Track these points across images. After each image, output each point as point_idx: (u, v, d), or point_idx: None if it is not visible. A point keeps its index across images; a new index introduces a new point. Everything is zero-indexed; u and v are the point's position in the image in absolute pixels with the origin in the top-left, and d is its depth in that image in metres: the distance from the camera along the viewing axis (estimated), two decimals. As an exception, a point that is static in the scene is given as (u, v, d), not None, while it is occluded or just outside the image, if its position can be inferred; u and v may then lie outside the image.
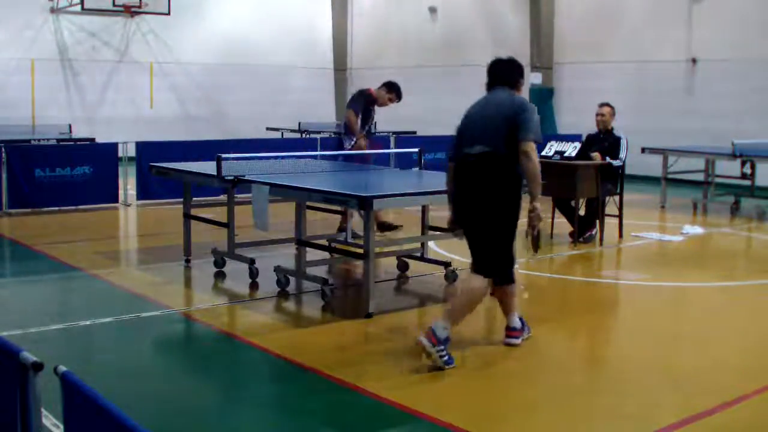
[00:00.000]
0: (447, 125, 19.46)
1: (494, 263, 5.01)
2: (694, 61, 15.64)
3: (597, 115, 9.26)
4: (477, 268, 5.03)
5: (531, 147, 4.89)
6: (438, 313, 6.23)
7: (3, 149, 10.81)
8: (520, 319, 5.36)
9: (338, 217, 8.57)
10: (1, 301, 6.56)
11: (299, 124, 18.35)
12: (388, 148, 14.12)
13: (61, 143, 13.13)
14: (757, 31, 14.64)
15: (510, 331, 5.30)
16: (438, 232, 7.47)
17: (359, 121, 8.88)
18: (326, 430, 4.11)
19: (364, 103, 9.00)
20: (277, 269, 6.77)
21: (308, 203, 6.90)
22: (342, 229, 8.46)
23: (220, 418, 4.15)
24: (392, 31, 21.63)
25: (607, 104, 9.30)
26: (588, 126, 9.79)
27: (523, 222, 5.04)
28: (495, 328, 5.94)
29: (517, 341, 5.27)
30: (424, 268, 7.38)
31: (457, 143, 5.12)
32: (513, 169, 4.93)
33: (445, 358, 4.76)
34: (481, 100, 5.28)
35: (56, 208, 11.05)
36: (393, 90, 9.03)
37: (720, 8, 15.21)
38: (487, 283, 5.01)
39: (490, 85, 5.38)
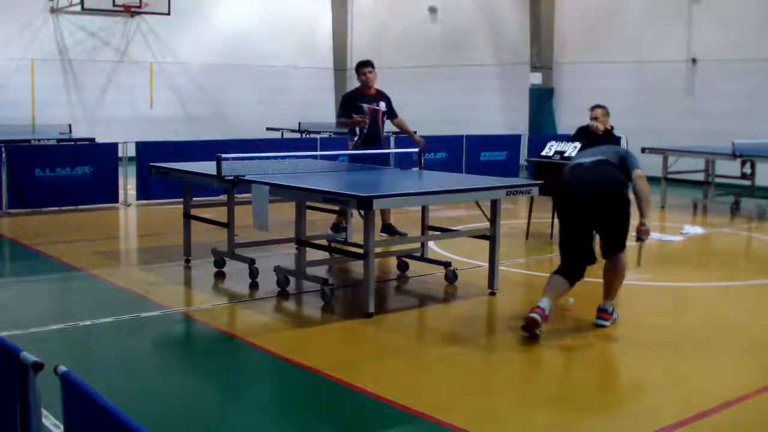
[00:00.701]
0: (447, 125, 19.54)
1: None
2: (694, 61, 15.65)
3: (591, 118, 9.12)
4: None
5: None
6: (438, 313, 6.23)
7: (3, 149, 10.81)
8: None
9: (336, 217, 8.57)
10: (1, 301, 6.56)
11: (299, 124, 18.36)
12: (388, 148, 14.14)
13: (61, 143, 13.12)
14: (757, 31, 14.65)
15: (601, 312, 5.78)
16: (438, 232, 7.47)
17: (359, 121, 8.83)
18: (326, 430, 4.11)
19: (348, 102, 8.92)
20: (277, 269, 6.77)
21: (308, 203, 6.90)
22: (337, 226, 8.46)
23: (220, 418, 4.15)
24: (392, 31, 21.63)
25: (599, 105, 9.13)
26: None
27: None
28: (495, 328, 5.94)
29: (607, 323, 5.75)
30: (424, 268, 7.37)
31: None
32: None
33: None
34: None
35: (56, 208, 11.05)
36: (357, 68, 8.98)
37: (720, 8, 15.22)
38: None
39: None
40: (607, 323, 5.72)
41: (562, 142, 9.24)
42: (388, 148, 13.95)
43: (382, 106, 8.90)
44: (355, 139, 8.88)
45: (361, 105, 8.82)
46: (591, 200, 5.64)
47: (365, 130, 8.85)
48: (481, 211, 6.91)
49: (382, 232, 8.79)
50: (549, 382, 4.74)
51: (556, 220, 9.22)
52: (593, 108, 9.23)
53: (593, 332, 5.98)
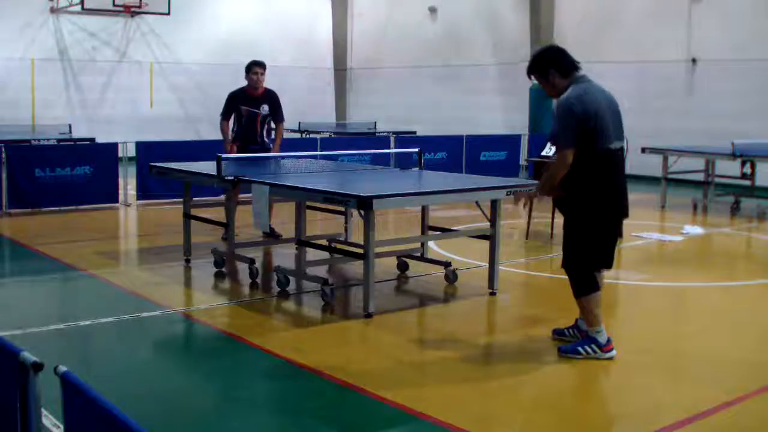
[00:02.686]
0: (447, 125, 19.56)
1: None
2: (694, 61, 15.65)
3: None
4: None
5: None
6: (438, 313, 6.22)
7: (3, 149, 10.81)
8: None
9: (337, 217, 8.57)
10: (1, 301, 6.56)
11: (299, 124, 18.36)
12: (388, 148, 14.14)
13: (61, 143, 13.12)
14: (757, 31, 14.65)
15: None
16: (438, 232, 7.47)
17: (237, 124, 8.80)
18: (326, 430, 4.10)
19: (229, 103, 8.83)
20: (277, 269, 6.77)
21: (308, 203, 6.90)
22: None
23: (220, 418, 4.15)
24: (392, 31, 21.63)
25: None
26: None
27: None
28: (494, 328, 5.94)
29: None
30: (424, 268, 7.37)
31: (602, 135, 4.81)
32: None
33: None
34: (594, 89, 4.91)
35: (56, 208, 11.05)
36: (249, 66, 8.85)
37: (720, 8, 15.22)
38: None
39: (576, 69, 4.99)
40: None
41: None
42: (388, 147, 13.97)
43: (264, 109, 8.81)
44: (230, 139, 8.85)
45: (240, 107, 8.78)
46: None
47: (241, 129, 8.81)
48: (481, 211, 6.91)
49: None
50: (548, 382, 4.74)
51: (557, 220, 9.26)
52: None
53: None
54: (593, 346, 4.97)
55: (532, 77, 5.13)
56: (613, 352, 4.99)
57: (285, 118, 9.12)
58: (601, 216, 4.92)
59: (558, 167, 4.89)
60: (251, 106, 8.80)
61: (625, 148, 5.14)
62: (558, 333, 5.38)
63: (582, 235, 4.94)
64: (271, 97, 8.93)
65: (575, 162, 4.80)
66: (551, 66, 4.97)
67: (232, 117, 8.93)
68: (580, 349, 4.99)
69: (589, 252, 4.95)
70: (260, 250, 8.15)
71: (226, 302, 6.50)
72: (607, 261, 5.08)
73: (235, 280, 7.18)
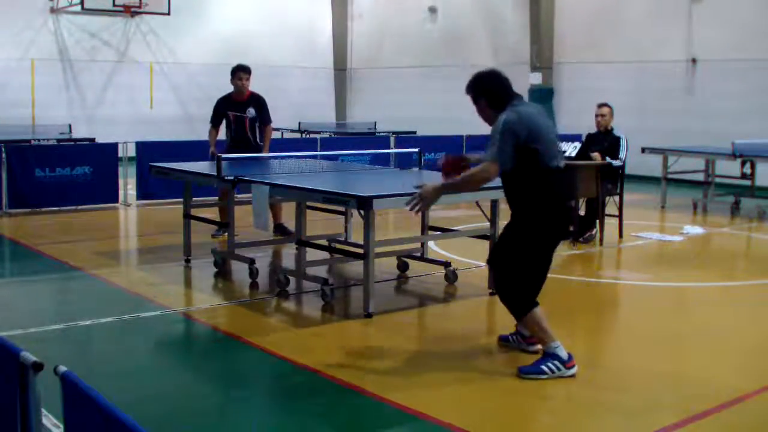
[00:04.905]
0: (447, 125, 19.54)
1: None
2: (694, 61, 15.65)
3: (597, 115, 9.27)
4: None
5: None
6: (438, 313, 6.22)
7: (3, 149, 10.81)
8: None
9: (337, 217, 8.57)
10: (1, 301, 6.56)
11: (299, 124, 18.36)
12: (388, 148, 14.13)
13: (61, 143, 13.12)
14: (757, 31, 14.64)
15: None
16: (438, 232, 7.47)
17: (228, 130, 8.90)
18: (326, 430, 4.11)
19: (217, 109, 8.97)
20: (277, 269, 6.77)
21: (308, 203, 6.90)
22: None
23: (220, 418, 4.15)
24: (392, 31, 21.63)
25: (606, 104, 9.30)
26: (588, 126, 9.79)
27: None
28: (495, 328, 5.94)
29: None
30: (424, 268, 7.37)
31: (546, 153, 4.77)
32: None
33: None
34: (531, 110, 4.87)
35: (56, 208, 11.05)
36: (234, 71, 8.87)
37: (720, 8, 15.22)
38: None
39: (515, 94, 4.95)
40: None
41: (562, 142, 9.22)
42: (388, 148, 13.97)
43: (250, 112, 8.85)
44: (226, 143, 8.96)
45: (227, 113, 8.87)
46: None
47: (233, 134, 8.91)
48: (481, 211, 6.91)
49: (274, 231, 8.88)
50: (548, 382, 4.74)
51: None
52: (600, 105, 9.30)
53: (591, 333, 5.99)
54: (556, 362, 4.72)
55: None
56: (575, 369, 4.74)
57: (272, 120, 9.18)
58: (542, 235, 4.80)
59: (472, 180, 4.77)
60: (238, 110, 8.88)
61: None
62: (503, 339, 5.22)
63: (523, 254, 4.80)
64: (257, 100, 8.97)
65: (521, 182, 4.77)
66: (483, 95, 4.91)
67: (223, 124, 9.01)
68: (543, 367, 4.71)
69: (527, 274, 4.83)
70: (260, 250, 8.14)
71: (226, 302, 6.50)
72: (542, 282, 4.99)
73: (235, 280, 7.17)
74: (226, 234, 8.03)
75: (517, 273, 4.81)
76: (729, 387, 4.58)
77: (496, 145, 4.63)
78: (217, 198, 8.77)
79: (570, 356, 4.76)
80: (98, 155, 11.62)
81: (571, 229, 9.02)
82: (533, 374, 4.70)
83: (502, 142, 4.63)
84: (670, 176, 12.17)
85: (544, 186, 4.77)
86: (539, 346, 5.05)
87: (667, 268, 8.05)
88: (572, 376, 4.72)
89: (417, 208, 4.89)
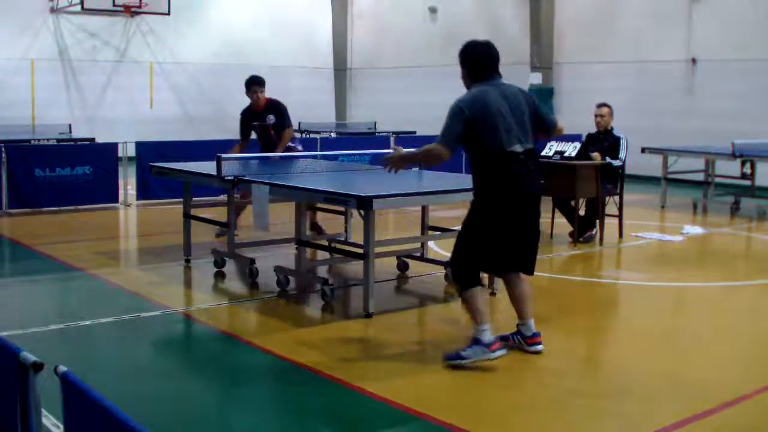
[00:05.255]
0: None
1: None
2: (694, 61, 15.65)
3: (596, 115, 9.27)
4: (531, 267, 5.07)
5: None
6: (438, 313, 6.22)
7: (3, 149, 10.81)
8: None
9: (338, 217, 8.57)
10: (1, 301, 6.56)
11: (299, 124, 18.35)
12: (388, 148, 14.12)
13: (61, 143, 13.12)
14: (757, 31, 14.64)
15: (536, 337, 5.12)
16: (438, 232, 7.47)
17: (257, 140, 9.12)
18: (326, 430, 4.11)
19: (243, 122, 9.21)
20: (277, 269, 6.77)
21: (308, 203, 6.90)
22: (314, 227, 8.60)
23: (220, 418, 4.15)
24: (392, 31, 21.63)
25: (606, 104, 9.30)
26: (588, 126, 9.79)
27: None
28: (496, 327, 5.93)
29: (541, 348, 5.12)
30: (424, 268, 7.37)
31: (493, 138, 4.75)
32: None
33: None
34: (492, 90, 4.86)
35: (56, 208, 11.05)
36: (249, 84, 9.14)
37: (720, 8, 15.22)
38: None
39: (490, 74, 4.95)
40: (541, 348, 5.08)
41: (562, 142, 9.24)
42: (388, 148, 13.95)
43: (270, 119, 9.00)
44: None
45: (253, 124, 9.10)
46: (537, 198, 4.99)
47: (261, 143, 9.14)
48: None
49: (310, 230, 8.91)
50: (549, 382, 4.74)
51: (557, 220, 9.26)
52: (600, 106, 9.31)
53: (591, 333, 5.99)
54: (478, 347, 4.77)
55: None
56: (500, 352, 4.76)
57: (291, 123, 9.25)
58: (491, 218, 4.83)
59: (427, 155, 4.94)
60: (259, 120, 9.06)
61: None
62: (503, 339, 5.14)
63: (471, 232, 4.89)
64: (275, 107, 9.13)
65: (476, 164, 4.86)
66: (464, 64, 5.02)
67: (251, 135, 9.24)
68: (463, 353, 4.78)
69: (473, 251, 4.88)
70: (260, 250, 8.14)
71: (226, 302, 6.51)
72: (492, 266, 5.03)
73: (235, 280, 7.17)
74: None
75: (464, 248, 4.90)
76: (729, 387, 4.58)
77: (445, 125, 4.77)
78: (236, 196, 8.79)
79: (495, 339, 4.80)
80: (98, 155, 11.62)
81: (572, 230, 9.06)
82: (454, 360, 4.80)
83: (448, 123, 4.77)
84: (670, 176, 12.17)
85: (493, 170, 4.80)
86: (540, 347, 5.06)
87: (667, 268, 8.05)
88: (498, 357, 4.77)
89: (387, 168, 5.18)
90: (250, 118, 9.11)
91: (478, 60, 4.98)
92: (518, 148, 4.80)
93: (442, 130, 4.78)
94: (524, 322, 5.11)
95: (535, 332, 5.10)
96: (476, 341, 4.81)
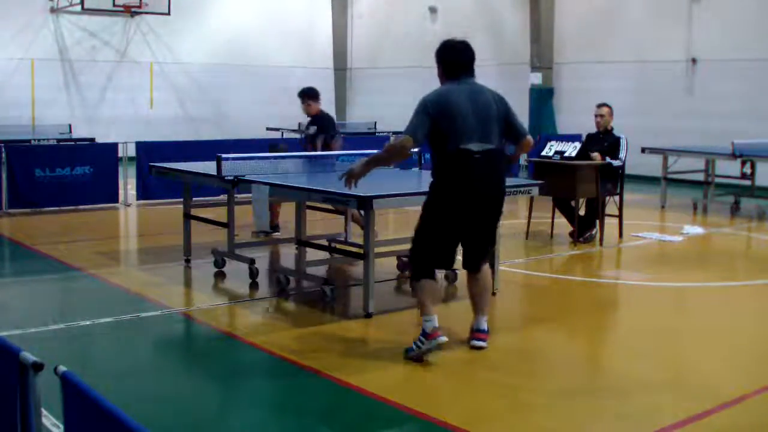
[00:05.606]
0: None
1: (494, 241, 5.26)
2: (694, 61, 15.64)
3: (596, 115, 9.27)
4: (483, 258, 5.19)
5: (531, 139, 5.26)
6: (438, 312, 6.21)
7: (3, 149, 10.81)
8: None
9: (338, 217, 8.57)
10: (1, 301, 6.56)
11: (299, 124, 18.33)
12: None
13: (61, 143, 13.12)
14: (757, 31, 14.64)
15: (479, 332, 5.21)
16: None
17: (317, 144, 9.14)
18: (326, 430, 4.11)
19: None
20: (277, 269, 6.77)
21: (308, 203, 6.90)
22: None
23: (220, 418, 4.15)
24: (392, 31, 21.62)
25: (606, 104, 9.31)
26: (588, 126, 9.79)
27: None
28: (495, 328, 5.93)
29: (485, 344, 5.18)
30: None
31: (454, 135, 4.85)
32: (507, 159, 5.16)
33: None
34: (459, 90, 4.95)
35: (56, 208, 11.05)
36: (303, 96, 9.22)
37: (720, 8, 15.21)
38: None
39: (461, 74, 5.04)
40: (485, 343, 5.17)
41: (562, 142, 9.25)
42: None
43: (312, 129, 9.11)
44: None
45: (305, 132, 9.30)
46: (491, 198, 5.03)
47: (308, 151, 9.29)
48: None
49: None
50: (549, 382, 4.74)
51: (557, 220, 9.26)
52: (600, 106, 9.31)
53: (591, 333, 5.99)
54: (421, 338, 4.89)
55: None
56: (440, 339, 4.84)
57: (336, 135, 9.36)
58: (440, 215, 4.95)
59: (391, 151, 5.08)
60: (307, 130, 9.26)
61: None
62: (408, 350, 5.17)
63: (422, 225, 5.05)
64: (320, 119, 9.25)
65: (434, 160, 4.98)
66: (438, 62, 5.12)
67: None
68: (412, 347, 4.92)
69: (423, 243, 5.02)
70: (260, 250, 8.14)
71: (226, 302, 6.51)
72: (442, 262, 5.12)
73: (235, 280, 7.17)
74: (272, 233, 8.40)
75: (417, 240, 5.05)
76: (729, 387, 4.58)
77: (412, 120, 4.89)
78: (214, 198, 8.81)
79: (436, 328, 4.87)
80: (98, 155, 11.62)
81: (572, 230, 9.06)
82: (407, 353, 4.92)
83: (416, 117, 4.88)
84: (670, 176, 12.17)
85: (446, 166, 4.92)
86: (480, 343, 5.15)
87: (667, 268, 8.05)
88: (438, 346, 4.85)
89: (346, 183, 5.16)
90: (305, 126, 9.37)
91: (451, 59, 5.09)
92: (474, 147, 4.87)
93: (408, 124, 4.90)
94: (474, 317, 5.25)
95: (482, 329, 5.20)
96: (422, 332, 4.92)
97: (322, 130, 9.10)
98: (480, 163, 4.87)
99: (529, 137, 5.27)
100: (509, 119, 5.09)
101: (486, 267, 5.27)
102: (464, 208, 4.92)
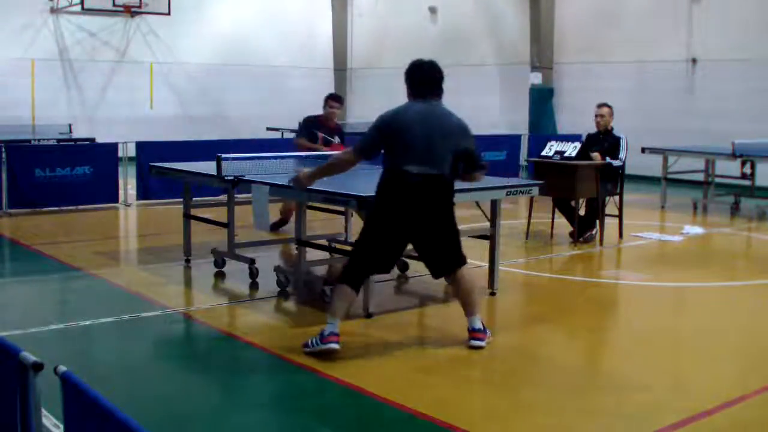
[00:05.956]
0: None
1: (459, 252, 5.25)
2: (694, 61, 15.65)
3: (596, 115, 9.27)
4: (452, 264, 5.24)
5: (481, 175, 5.27)
6: (438, 313, 6.21)
7: (3, 149, 10.81)
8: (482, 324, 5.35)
9: (338, 216, 8.57)
10: (1, 301, 6.56)
11: (299, 124, 18.32)
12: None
13: (61, 143, 13.12)
14: (757, 31, 14.64)
15: (475, 332, 5.22)
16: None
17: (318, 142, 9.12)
18: (326, 430, 4.11)
19: (307, 126, 9.25)
20: (277, 269, 6.77)
21: (308, 203, 6.90)
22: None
23: (220, 418, 4.15)
24: (392, 31, 21.62)
25: (606, 104, 9.31)
26: (588, 126, 9.80)
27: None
28: (495, 328, 5.93)
29: (483, 342, 5.20)
30: (424, 268, 7.34)
31: (397, 154, 4.97)
32: (452, 186, 5.17)
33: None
34: (416, 111, 5.02)
35: (56, 208, 11.05)
36: (328, 98, 9.23)
37: (720, 8, 15.22)
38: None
39: (426, 94, 5.12)
40: (483, 342, 5.19)
41: (562, 142, 9.25)
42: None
43: (336, 140, 9.14)
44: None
45: (316, 132, 9.10)
46: (424, 219, 5.09)
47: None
48: (481, 211, 6.91)
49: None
50: (549, 382, 4.74)
51: (557, 220, 9.26)
52: (600, 106, 9.31)
53: (591, 333, 5.99)
54: (316, 338, 4.96)
55: None
56: (332, 345, 4.88)
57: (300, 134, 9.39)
58: (377, 226, 5.07)
59: (334, 166, 5.26)
60: (326, 134, 9.17)
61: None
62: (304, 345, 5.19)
63: (364, 234, 5.15)
64: (341, 133, 9.40)
65: (382, 174, 5.10)
66: (406, 80, 5.25)
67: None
68: (308, 342, 5.01)
69: (362, 252, 5.12)
70: (260, 250, 8.14)
71: (226, 302, 6.51)
72: (380, 268, 5.26)
73: (235, 280, 7.17)
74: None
75: (357, 246, 5.18)
76: (729, 387, 4.59)
77: (366, 135, 5.08)
78: (214, 198, 8.81)
79: (332, 333, 4.92)
80: (98, 155, 11.62)
81: (572, 230, 9.06)
82: (305, 348, 5.00)
83: (369, 133, 5.07)
84: (670, 176, 12.17)
85: (385, 183, 5.04)
86: (479, 342, 5.17)
87: (667, 268, 8.05)
88: (329, 350, 4.88)
89: (296, 187, 5.46)
90: (317, 126, 9.18)
91: (416, 79, 5.20)
92: (414, 169, 4.92)
93: (361, 138, 5.12)
94: (467, 318, 5.30)
95: (476, 327, 5.23)
96: (321, 332, 4.98)
97: (342, 141, 9.20)
98: (417, 186, 4.95)
99: (480, 175, 5.25)
100: (468, 151, 5.08)
101: (462, 271, 5.26)
102: (399, 225, 5.04)
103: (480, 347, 5.16)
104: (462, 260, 5.27)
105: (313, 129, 9.13)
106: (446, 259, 5.25)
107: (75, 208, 11.12)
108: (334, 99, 9.24)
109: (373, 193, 5.62)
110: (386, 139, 5.01)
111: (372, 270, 5.26)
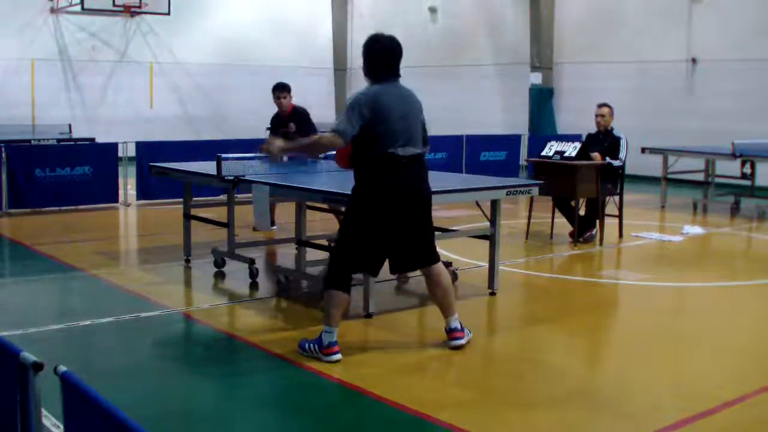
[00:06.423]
0: (447, 125, 19.52)
1: (434, 247, 5.19)
2: (694, 61, 15.65)
3: (596, 115, 9.27)
4: (430, 258, 5.14)
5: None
6: (438, 313, 6.21)
7: (3, 149, 10.81)
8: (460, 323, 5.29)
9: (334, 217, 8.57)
10: (1, 301, 6.56)
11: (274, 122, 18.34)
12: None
13: (61, 143, 13.12)
14: (757, 31, 14.65)
15: (453, 332, 5.18)
16: (438, 232, 7.46)
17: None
18: (326, 430, 4.10)
19: (272, 127, 9.17)
20: (277, 269, 6.77)
21: (308, 203, 6.90)
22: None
23: (220, 418, 4.15)
24: (392, 31, 21.36)
25: (606, 104, 9.31)
26: (588, 126, 9.79)
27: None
28: (495, 328, 5.95)
29: (463, 341, 5.16)
30: (424, 268, 7.35)
31: (385, 138, 4.82)
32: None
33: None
34: (392, 92, 4.94)
35: (56, 208, 11.05)
36: (273, 90, 9.13)
37: (720, 8, 15.22)
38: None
39: (393, 73, 5.01)
40: (463, 341, 5.14)
41: (562, 141, 9.25)
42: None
43: (291, 127, 8.98)
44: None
45: (278, 129, 9.02)
46: (418, 201, 4.99)
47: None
48: (481, 211, 6.91)
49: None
50: (549, 382, 4.74)
51: (557, 220, 9.26)
52: (600, 106, 9.31)
53: (592, 333, 5.99)
54: (315, 346, 4.89)
55: None
56: (335, 357, 4.83)
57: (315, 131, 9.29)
58: (366, 220, 4.89)
59: (317, 146, 5.15)
60: (283, 126, 9.05)
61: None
62: (300, 346, 5.14)
63: (347, 233, 4.96)
64: (298, 115, 9.17)
65: (358, 162, 4.90)
66: (364, 58, 5.02)
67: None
68: (305, 345, 4.95)
69: (345, 250, 4.95)
70: (260, 250, 8.14)
71: (226, 302, 6.51)
72: (368, 267, 5.11)
73: (235, 280, 7.17)
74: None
75: (340, 248, 4.99)
76: (729, 387, 4.58)
77: (343, 117, 4.79)
78: (214, 198, 8.81)
79: (333, 344, 4.86)
80: (98, 155, 11.62)
81: (572, 230, 9.06)
82: (299, 349, 4.97)
83: (347, 115, 4.78)
84: (670, 176, 12.17)
85: (371, 170, 4.87)
86: (456, 341, 5.11)
87: (667, 268, 8.05)
88: (330, 361, 4.81)
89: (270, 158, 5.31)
90: (277, 122, 9.14)
91: (382, 58, 5.00)
92: (400, 151, 4.86)
93: (339, 121, 4.82)
94: (444, 319, 5.22)
95: (454, 327, 5.16)
96: (317, 340, 4.91)
97: (301, 126, 8.97)
98: (406, 167, 4.89)
99: (426, 149, 5.21)
100: (424, 125, 5.09)
101: (438, 268, 5.17)
102: (391, 212, 4.89)
103: (461, 346, 5.12)
104: (437, 256, 5.20)
105: (277, 127, 9.08)
106: (420, 251, 5.09)
107: (75, 208, 11.12)
108: (277, 89, 9.11)
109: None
110: (370, 122, 4.77)
111: (357, 268, 5.06)
